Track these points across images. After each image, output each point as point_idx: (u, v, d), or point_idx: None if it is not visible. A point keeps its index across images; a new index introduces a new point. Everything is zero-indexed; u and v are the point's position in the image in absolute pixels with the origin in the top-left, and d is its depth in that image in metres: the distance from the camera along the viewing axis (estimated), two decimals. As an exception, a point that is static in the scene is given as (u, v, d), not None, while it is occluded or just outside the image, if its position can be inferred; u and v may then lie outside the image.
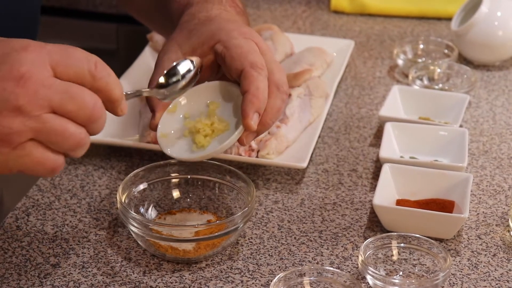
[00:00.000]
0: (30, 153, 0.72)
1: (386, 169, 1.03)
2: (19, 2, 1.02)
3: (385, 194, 1.00)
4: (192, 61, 0.89)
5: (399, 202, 1.01)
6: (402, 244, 0.93)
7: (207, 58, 0.92)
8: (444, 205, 1.00)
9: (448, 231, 0.97)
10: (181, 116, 0.93)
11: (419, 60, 1.32)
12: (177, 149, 0.91)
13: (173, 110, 0.93)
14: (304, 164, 1.06)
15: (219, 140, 0.90)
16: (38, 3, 1.07)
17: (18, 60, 0.70)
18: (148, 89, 0.89)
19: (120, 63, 1.63)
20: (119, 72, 1.26)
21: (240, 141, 0.89)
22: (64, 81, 0.72)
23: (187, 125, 0.92)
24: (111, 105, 0.76)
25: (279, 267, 0.92)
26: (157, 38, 1.31)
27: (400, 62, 1.32)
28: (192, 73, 0.89)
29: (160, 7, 1.05)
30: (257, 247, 0.95)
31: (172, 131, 0.92)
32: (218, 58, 0.91)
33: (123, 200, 0.93)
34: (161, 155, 1.08)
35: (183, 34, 0.93)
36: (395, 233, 0.94)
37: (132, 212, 0.91)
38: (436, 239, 0.95)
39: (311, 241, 0.96)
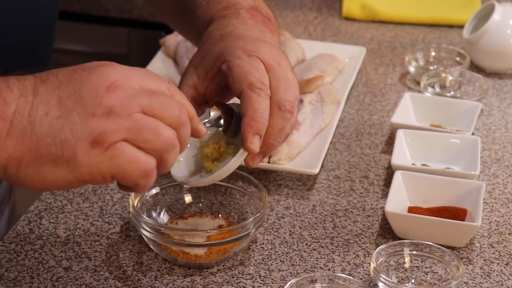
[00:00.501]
0: (122, 152, 0.72)
1: (398, 176, 1.03)
2: (37, 7, 1.02)
3: (397, 201, 1.00)
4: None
5: (411, 210, 1.00)
6: (414, 252, 0.93)
7: (218, 79, 0.91)
8: (457, 213, 1.00)
9: (461, 239, 0.96)
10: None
11: (431, 68, 1.32)
12: (186, 173, 0.91)
13: None
14: (316, 170, 1.06)
15: (225, 164, 0.89)
16: (56, 8, 1.08)
17: (106, 71, 0.73)
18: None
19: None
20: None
21: (246, 163, 0.89)
22: (149, 90, 0.75)
23: (199, 150, 0.92)
24: (190, 122, 0.78)
25: (291, 273, 0.92)
26: (170, 43, 1.31)
27: (411, 69, 1.32)
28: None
29: (188, 24, 1.05)
30: (269, 252, 0.95)
31: (181, 158, 0.91)
32: (225, 79, 0.90)
33: (135, 204, 0.94)
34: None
35: (198, 56, 0.93)
36: (407, 241, 0.94)
37: (144, 216, 0.92)
38: (448, 247, 0.95)
39: (322, 247, 0.96)
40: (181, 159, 0.91)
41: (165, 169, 0.76)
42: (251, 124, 0.86)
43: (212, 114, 0.88)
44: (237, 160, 0.87)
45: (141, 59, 1.51)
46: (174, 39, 1.31)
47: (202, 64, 0.92)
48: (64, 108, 0.72)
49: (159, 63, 1.29)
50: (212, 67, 0.91)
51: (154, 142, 0.73)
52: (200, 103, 0.93)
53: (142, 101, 0.73)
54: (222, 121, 0.88)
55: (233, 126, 0.89)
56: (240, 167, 1.03)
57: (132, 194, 0.94)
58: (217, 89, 0.92)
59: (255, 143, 0.86)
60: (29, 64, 1.05)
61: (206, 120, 0.87)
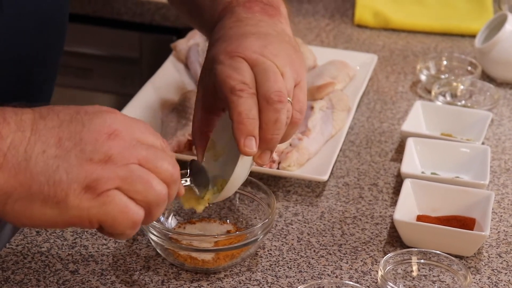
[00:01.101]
0: (113, 200, 0.73)
1: (407, 184, 1.02)
2: (48, 10, 1.02)
3: (406, 210, 0.99)
4: None
5: (420, 218, 1.00)
6: (422, 260, 0.93)
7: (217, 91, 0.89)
8: (465, 222, 0.99)
9: (469, 249, 0.96)
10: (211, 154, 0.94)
11: (442, 76, 1.32)
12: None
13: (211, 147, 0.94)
14: (325, 177, 1.05)
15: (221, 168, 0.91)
16: (67, 10, 1.08)
17: (109, 118, 0.74)
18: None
19: (143, 71, 1.64)
20: (142, 81, 1.27)
21: (257, 163, 0.88)
22: (146, 143, 0.76)
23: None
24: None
25: (298, 279, 0.92)
26: (181, 47, 1.31)
27: (423, 77, 1.32)
28: None
29: (202, 28, 1.05)
30: (276, 259, 0.95)
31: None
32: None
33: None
34: (182, 164, 1.09)
35: (202, 69, 0.93)
36: (415, 249, 0.93)
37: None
38: (456, 256, 0.94)
39: (330, 254, 0.96)
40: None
41: (150, 222, 0.77)
42: (239, 128, 0.84)
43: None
44: (241, 167, 0.87)
45: (152, 63, 1.51)
46: (185, 44, 1.31)
47: (202, 77, 0.92)
48: (63, 148, 0.72)
49: (170, 67, 1.30)
50: (209, 79, 0.90)
51: (146, 194, 0.74)
52: (215, 113, 0.93)
53: (140, 153, 0.74)
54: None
55: (199, 181, 0.90)
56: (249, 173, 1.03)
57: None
58: (219, 102, 0.91)
59: (249, 145, 0.84)
60: (38, 71, 1.05)
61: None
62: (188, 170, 0.90)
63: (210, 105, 0.92)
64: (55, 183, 0.71)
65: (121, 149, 0.73)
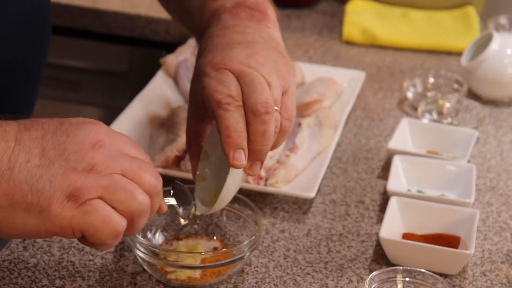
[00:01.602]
0: (96, 209, 0.73)
1: (393, 202, 1.03)
2: (29, 20, 1.02)
3: (392, 227, 1.00)
4: None
5: (406, 236, 1.01)
6: (407, 279, 0.93)
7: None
8: (450, 240, 1.00)
9: (454, 267, 0.97)
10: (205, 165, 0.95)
11: (429, 94, 1.33)
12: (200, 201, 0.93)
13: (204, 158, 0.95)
14: (312, 194, 1.06)
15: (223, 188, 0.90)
16: (49, 20, 1.07)
17: (94, 129, 0.75)
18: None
19: (132, 85, 1.65)
20: (131, 95, 1.28)
21: (247, 174, 0.88)
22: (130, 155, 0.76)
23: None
24: None
25: (284, 297, 0.93)
26: (170, 63, 1.32)
27: (409, 95, 1.33)
28: None
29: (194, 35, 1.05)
30: (263, 276, 0.96)
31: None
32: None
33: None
34: (169, 180, 1.09)
35: (192, 79, 0.93)
36: (401, 267, 0.94)
37: (139, 237, 0.92)
38: (441, 275, 0.95)
39: (316, 271, 0.97)
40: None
41: (132, 233, 0.77)
42: (227, 141, 0.85)
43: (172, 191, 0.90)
44: (232, 180, 0.87)
45: (141, 77, 1.51)
46: (174, 59, 1.32)
47: (193, 87, 0.92)
48: (46, 158, 0.73)
49: (159, 82, 1.30)
50: (198, 90, 0.90)
51: (129, 204, 0.74)
52: (207, 122, 0.94)
53: (123, 164, 0.74)
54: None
55: (182, 202, 0.91)
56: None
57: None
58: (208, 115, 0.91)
59: (238, 158, 0.85)
60: (20, 82, 1.05)
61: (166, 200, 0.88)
62: (172, 191, 0.90)
63: (201, 115, 0.93)
64: (38, 192, 0.72)
65: (105, 159, 0.74)
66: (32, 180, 0.72)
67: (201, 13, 0.98)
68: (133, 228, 0.76)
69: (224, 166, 0.88)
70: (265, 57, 0.88)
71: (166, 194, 0.88)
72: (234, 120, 0.85)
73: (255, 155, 0.86)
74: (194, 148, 0.94)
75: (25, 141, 0.73)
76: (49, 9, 1.07)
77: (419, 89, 1.35)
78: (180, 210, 0.91)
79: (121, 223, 0.74)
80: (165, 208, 0.82)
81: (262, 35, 0.92)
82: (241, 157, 0.85)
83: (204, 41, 0.93)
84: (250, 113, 0.85)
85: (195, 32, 1.01)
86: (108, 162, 0.74)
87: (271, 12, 0.96)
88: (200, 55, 0.92)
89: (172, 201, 0.89)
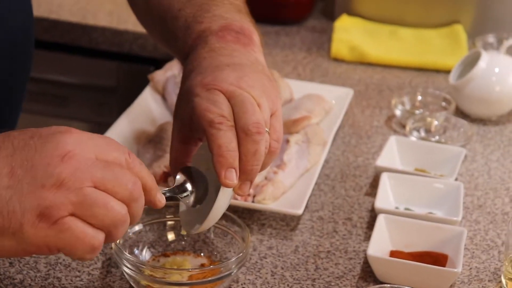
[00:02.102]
0: (69, 228, 0.71)
1: (381, 219, 1.03)
2: (12, 35, 1.02)
3: (379, 245, 1.00)
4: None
5: (393, 254, 1.01)
6: (395, 296, 0.93)
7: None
8: (438, 258, 1.00)
9: (441, 285, 0.97)
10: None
11: (417, 112, 1.34)
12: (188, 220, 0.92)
13: None
14: (300, 211, 1.06)
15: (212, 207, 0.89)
16: (32, 36, 1.07)
17: (63, 139, 0.72)
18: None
19: (120, 101, 1.65)
20: (119, 110, 1.27)
21: (237, 193, 0.88)
22: (105, 161, 0.74)
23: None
24: (147, 194, 0.77)
25: (271, 314, 0.92)
26: (158, 79, 1.32)
27: (397, 112, 1.33)
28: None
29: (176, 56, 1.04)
30: (250, 293, 0.95)
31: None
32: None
33: (117, 241, 0.93)
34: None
35: (177, 100, 0.93)
36: (388, 285, 0.94)
37: (126, 253, 0.91)
38: (429, 293, 0.96)
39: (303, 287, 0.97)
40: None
41: (113, 241, 0.76)
42: (219, 160, 0.84)
43: (177, 179, 0.88)
44: (222, 198, 0.87)
45: (129, 93, 1.51)
46: (162, 75, 1.32)
47: (178, 108, 0.92)
48: (15, 177, 0.71)
49: (147, 98, 1.30)
50: (186, 111, 0.90)
51: (103, 218, 0.73)
52: (193, 143, 0.93)
53: (94, 175, 0.72)
54: (188, 186, 0.88)
55: (199, 193, 0.88)
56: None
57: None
58: (196, 135, 0.92)
59: (230, 177, 0.85)
60: (2, 97, 1.04)
61: (166, 190, 0.86)
62: (178, 178, 0.87)
63: (187, 136, 0.93)
64: (9, 214, 0.70)
65: (74, 171, 0.71)
66: (2, 203, 0.70)
67: (186, 34, 0.97)
68: (113, 238, 0.75)
69: (211, 186, 0.88)
70: (254, 79, 0.89)
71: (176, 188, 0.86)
72: (227, 139, 0.85)
73: (245, 175, 0.86)
74: (177, 169, 0.92)
75: None
76: (31, 27, 1.06)
77: (407, 106, 1.36)
78: (188, 199, 0.87)
79: (97, 237, 0.73)
80: (160, 204, 0.79)
81: (249, 58, 0.93)
82: (233, 176, 0.85)
83: (191, 63, 0.93)
84: (242, 133, 0.85)
85: (179, 54, 1.00)
86: (78, 174, 0.71)
87: (256, 36, 0.97)
88: (187, 77, 0.91)
89: (169, 192, 0.86)
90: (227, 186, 0.85)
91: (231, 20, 0.96)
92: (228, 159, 0.85)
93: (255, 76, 0.90)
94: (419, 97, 1.37)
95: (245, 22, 0.97)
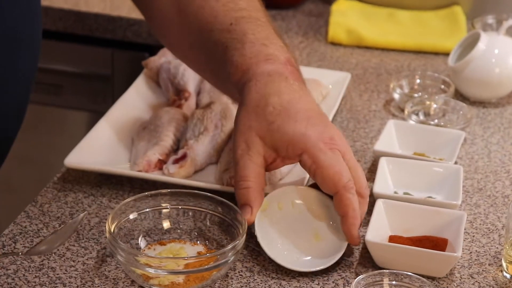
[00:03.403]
0: None
1: (379, 204, 1.02)
2: (18, 27, 1.01)
3: (378, 230, 0.99)
4: None
5: (392, 239, 0.99)
6: (393, 282, 0.92)
7: (290, 160, 0.97)
8: (437, 243, 0.99)
9: (441, 270, 0.96)
10: (276, 218, 0.98)
11: (415, 95, 1.32)
12: (280, 254, 0.96)
13: (264, 209, 0.97)
14: (297, 198, 1.04)
15: (322, 249, 0.97)
16: (39, 27, 1.06)
17: None
18: None
19: (115, 88, 1.63)
20: (114, 98, 1.26)
21: (353, 242, 0.97)
22: None
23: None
24: None
25: (269, 302, 0.91)
26: (152, 65, 1.30)
27: (396, 96, 1.32)
28: None
29: (214, 64, 1.05)
30: (247, 280, 0.94)
31: (273, 235, 0.97)
32: (306, 169, 0.96)
33: (112, 230, 0.92)
34: (152, 184, 1.08)
35: (262, 126, 0.96)
36: (387, 270, 0.93)
37: (121, 243, 0.90)
38: (428, 277, 0.94)
39: (302, 275, 0.95)
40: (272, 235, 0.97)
41: None
42: (355, 223, 0.95)
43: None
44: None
45: (125, 80, 1.50)
46: (157, 61, 1.30)
47: (271, 138, 0.95)
48: None
49: (142, 85, 1.28)
50: (286, 150, 0.95)
51: None
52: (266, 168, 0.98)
53: None
54: None
55: None
56: (220, 193, 1.02)
57: (109, 219, 0.93)
58: (283, 165, 0.99)
59: (358, 237, 0.96)
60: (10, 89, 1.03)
61: None
62: None
63: (271, 158, 0.97)
64: None
65: None
66: None
67: (245, 47, 1.00)
68: None
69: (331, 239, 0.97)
70: (341, 137, 0.99)
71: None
72: (357, 204, 0.95)
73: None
74: (258, 197, 0.96)
75: None
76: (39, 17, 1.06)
77: (406, 90, 1.34)
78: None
79: None
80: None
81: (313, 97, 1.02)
82: (358, 235, 0.97)
83: (275, 91, 0.96)
84: (360, 198, 0.96)
85: (226, 62, 1.01)
86: None
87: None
88: (285, 113, 0.95)
89: None
90: (355, 244, 0.97)
91: (288, 53, 1.03)
92: (359, 221, 0.96)
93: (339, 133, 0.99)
94: (418, 80, 1.36)
95: (291, 53, 1.04)
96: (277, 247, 0.96)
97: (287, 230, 0.98)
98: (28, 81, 1.06)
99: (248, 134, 0.96)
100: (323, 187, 0.96)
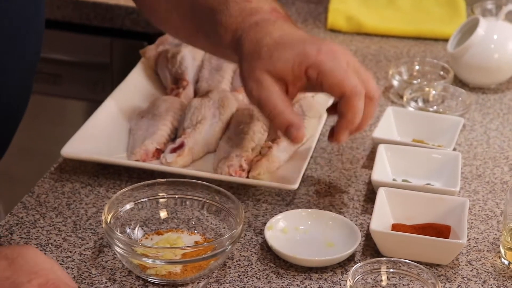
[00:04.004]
0: None
1: (381, 193, 1.01)
2: (23, 16, 1.01)
3: (381, 219, 0.98)
4: None
5: (395, 227, 0.99)
6: (391, 270, 0.92)
7: (300, 82, 0.97)
8: (441, 230, 0.98)
9: (446, 257, 0.95)
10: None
11: (414, 82, 1.31)
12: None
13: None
14: (295, 186, 1.04)
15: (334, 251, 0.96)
16: (43, 12, 1.06)
17: None
18: None
19: (114, 77, 1.63)
20: (113, 87, 1.25)
21: (337, 140, 0.99)
22: None
23: None
24: None
25: (266, 291, 0.91)
26: (150, 54, 1.29)
27: (395, 83, 1.31)
28: None
29: (204, 30, 1.06)
30: (245, 269, 0.94)
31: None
32: (313, 82, 0.97)
33: (109, 220, 0.92)
34: (150, 173, 1.08)
35: (263, 63, 0.96)
36: (385, 258, 0.92)
37: (117, 233, 0.90)
38: (432, 265, 0.94)
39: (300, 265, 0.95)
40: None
41: None
42: (347, 127, 0.97)
43: None
44: None
45: (123, 69, 1.49)
46: (154, 50, 1.30)
47: (275, 68, 0.96)
48: None
49: (139, 74, 1.28)
50: (292, 72, 0.96)
51: None
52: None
53: None
54: None
55: None
56: (218, 182, 1.02)
57: (106, 209, 0.93)
58: (296, 90, 0.99)
59: (344, 137, 0.98)
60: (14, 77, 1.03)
61: None
62: None
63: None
64: None
65: None
66: None
67: (229, 8, 1.01)
68: None
69: None
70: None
71: None
72: (360, 110, 0.97)
73: (355, 131, 1.00)
74: (295, 114, 0.97)
75: None
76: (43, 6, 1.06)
77: (405, 76, 1.33)
78: None
79: None
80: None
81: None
82: (347, 136, 0.99)
83: (267, 34, 0.97)
84: (368, 99, 0.97)
85: (216, 26, 1.02)
86: None
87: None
88: (281, 44, 0.96)
89: None
90: (332, 142, 1.00)
91: (273, 4, 1.04)
92: (354, 125, 0.97)
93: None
94: (417, 67, 1.35)
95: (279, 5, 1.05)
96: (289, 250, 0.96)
97: (300, 244, 0.98)
98: (32, 69, 1.06)
99: (253, 74, 0.97)
100: (332, 94, 0.97)
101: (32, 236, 0.97)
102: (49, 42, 1.64)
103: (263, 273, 0.93)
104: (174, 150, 1.08)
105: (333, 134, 0.99)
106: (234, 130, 1.12)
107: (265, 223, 1.01)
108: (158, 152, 1.09)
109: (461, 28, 1.36)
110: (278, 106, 0.96)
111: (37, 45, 1.06)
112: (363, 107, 0.97)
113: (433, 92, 1.28)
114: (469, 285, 0.93)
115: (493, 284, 0.93)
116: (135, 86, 1.24)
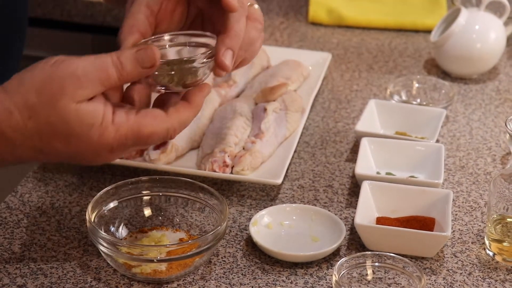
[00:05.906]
0: None
1: (365, 186, 1.01)
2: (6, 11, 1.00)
3: (365, 212, 0.98)
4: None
5: (380, 220, 0.99)
6: (376, 264, 0.92)
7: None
8: (425, 223, 0.98)
9: (431, 250, 0.95)
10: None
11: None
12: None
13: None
14: (279, 181, 1.04)
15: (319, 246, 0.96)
16: (25, 12, 1.05)
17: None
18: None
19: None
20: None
21: (220, 67, 0.86)
22: None
23: None
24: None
25: (252, 287, 0.91)
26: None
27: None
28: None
29: None
30: (230, 266, 0.94)
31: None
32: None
33: (92, 219, 0.92)
34: (133, 171, 1.07)
35: None
36: (370, 252, 0.92)
37: (101, 232, 0.90)
38: (417, 258, 0.95)
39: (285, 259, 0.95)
40: None
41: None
42: (226, 42, 0.86)
43: None
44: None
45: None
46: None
47: None
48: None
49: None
50: None
51: None
52: (152, 24, 0.91)
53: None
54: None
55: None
56: (202, 179, 1.02)
57: (89, 208, 0.92)
58: (172, 8, 0.90)
59: (227, 57, 0.86)
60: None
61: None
62: None
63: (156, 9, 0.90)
64: None
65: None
66: None
67: None
68: None
69: None
70: None
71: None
72: (243, 28, 0.88)
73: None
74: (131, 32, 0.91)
75: None
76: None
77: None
78: None
79: None
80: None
81: None
82: (230, 57, 0.87)
83: None
84: (248, 20, 0.89)
85: None
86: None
87: None
88: None
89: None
90: (222, 64, 0.86)
91: None
92: (236, 40, 0.86)
93: None
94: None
95: None
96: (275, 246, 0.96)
97: (285, 240, 0.98)
98: (16, 67, 1.06)
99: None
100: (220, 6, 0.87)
101: (16, 236, 0.96)
102: (30, 39, 1.63)
103: (248, 269, 0.93)
104: (157, 147, 1.08)
105: (217, 62, 0.87)
106: (217, 126, 1.11)
107: (249, 219, 1.01)
108: (142, 150, 1.08)
109: (445, 19, 1.37)
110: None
111: (22, 40, 1.05)
112: (245, 25, 0.88)
113: (416, 85, 1.28)
114: (454, 278, 0.93)
115: (478, 276, 0.94)
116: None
